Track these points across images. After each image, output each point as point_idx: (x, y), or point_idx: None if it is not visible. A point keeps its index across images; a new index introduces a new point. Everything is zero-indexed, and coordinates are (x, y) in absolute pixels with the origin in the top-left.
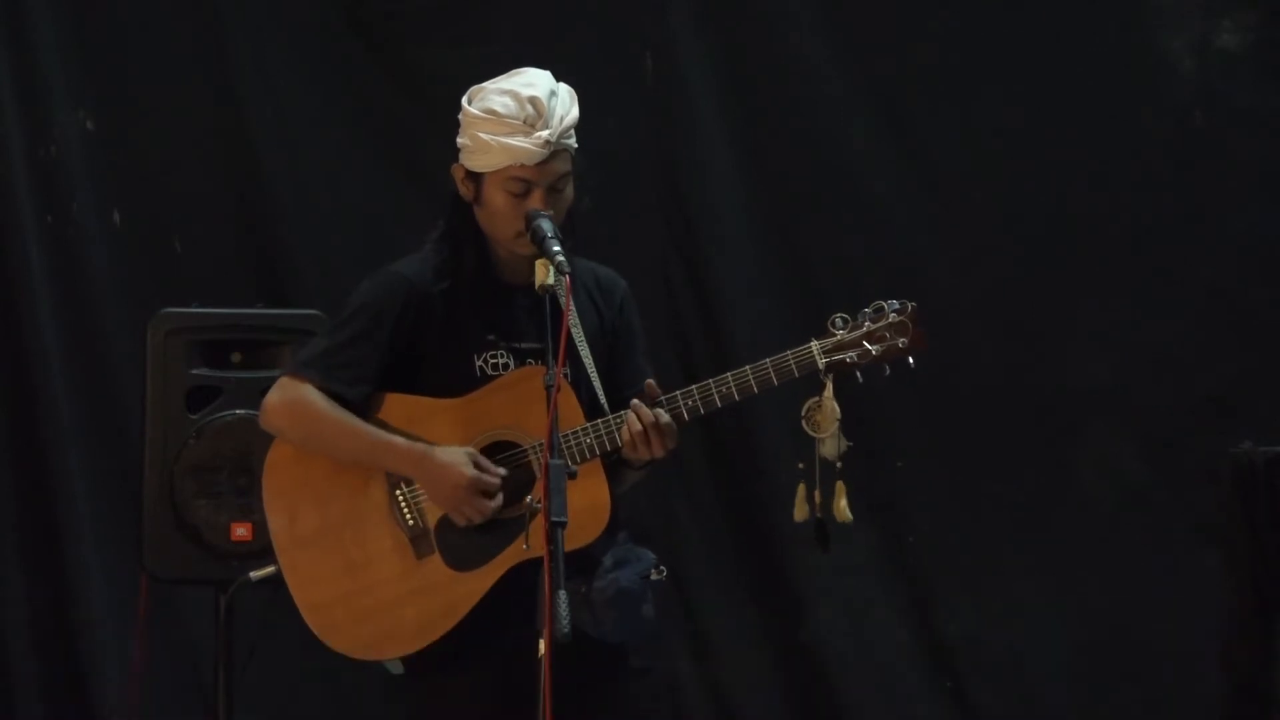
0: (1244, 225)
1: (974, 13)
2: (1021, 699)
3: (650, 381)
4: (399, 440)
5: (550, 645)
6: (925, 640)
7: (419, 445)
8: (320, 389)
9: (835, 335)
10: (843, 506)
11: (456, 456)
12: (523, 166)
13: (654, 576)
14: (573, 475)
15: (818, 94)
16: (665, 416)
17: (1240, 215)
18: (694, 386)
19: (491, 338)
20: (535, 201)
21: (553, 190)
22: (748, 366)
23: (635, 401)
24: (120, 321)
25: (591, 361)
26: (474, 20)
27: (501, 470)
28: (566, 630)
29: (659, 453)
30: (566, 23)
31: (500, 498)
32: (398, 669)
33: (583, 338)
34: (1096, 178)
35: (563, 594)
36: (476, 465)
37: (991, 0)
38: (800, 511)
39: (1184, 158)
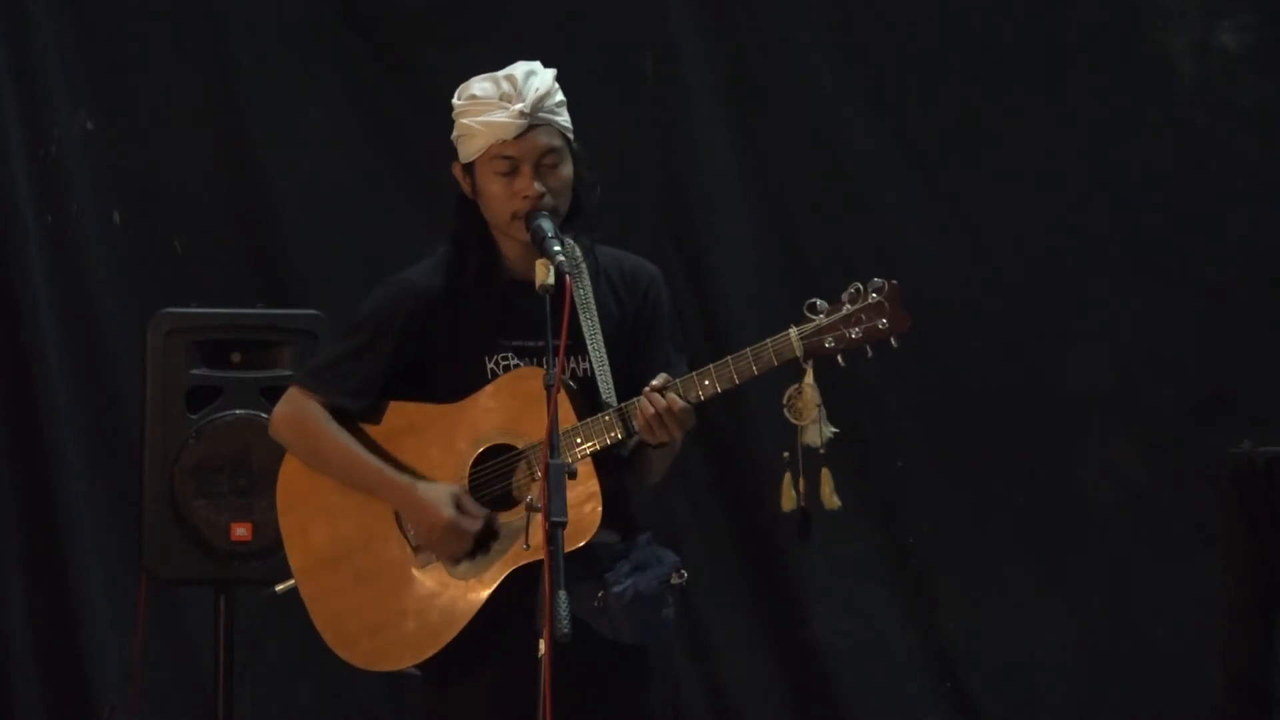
0: (1244, 225)
1: (974, 13)
2: (1021, 699)
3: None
4: (389, 472)
5: (550, 645)
6: (925, 640)
7: (404, 480)
8: (324, 402)
9: (814, 320)
10: (829, 493)
11: (439, 496)
12: (503, 143)
13: (675, 580)
14: (573, 475)
15: (819, 94)
16: (679, 401)
17: (1240, 215)
18: (678, 380)
19: (502, 339)
20: (524, 179)
21: (541, 167)
22: (729, 356)
23: (648, 389)
24: (120, 321)
25: (604, 356)
26: (474, 20)
27: (483, 511)
28: (566, 630)
29: (675, 434)
30: (567, 23)
31: (471, 543)
32: (414, 670)
33: (597, 332)
34: (1096, 178)
35: (562, 594)
36: (459, 505)
37: (992, 1)
38: (787, 500)
39: (1184, 158)
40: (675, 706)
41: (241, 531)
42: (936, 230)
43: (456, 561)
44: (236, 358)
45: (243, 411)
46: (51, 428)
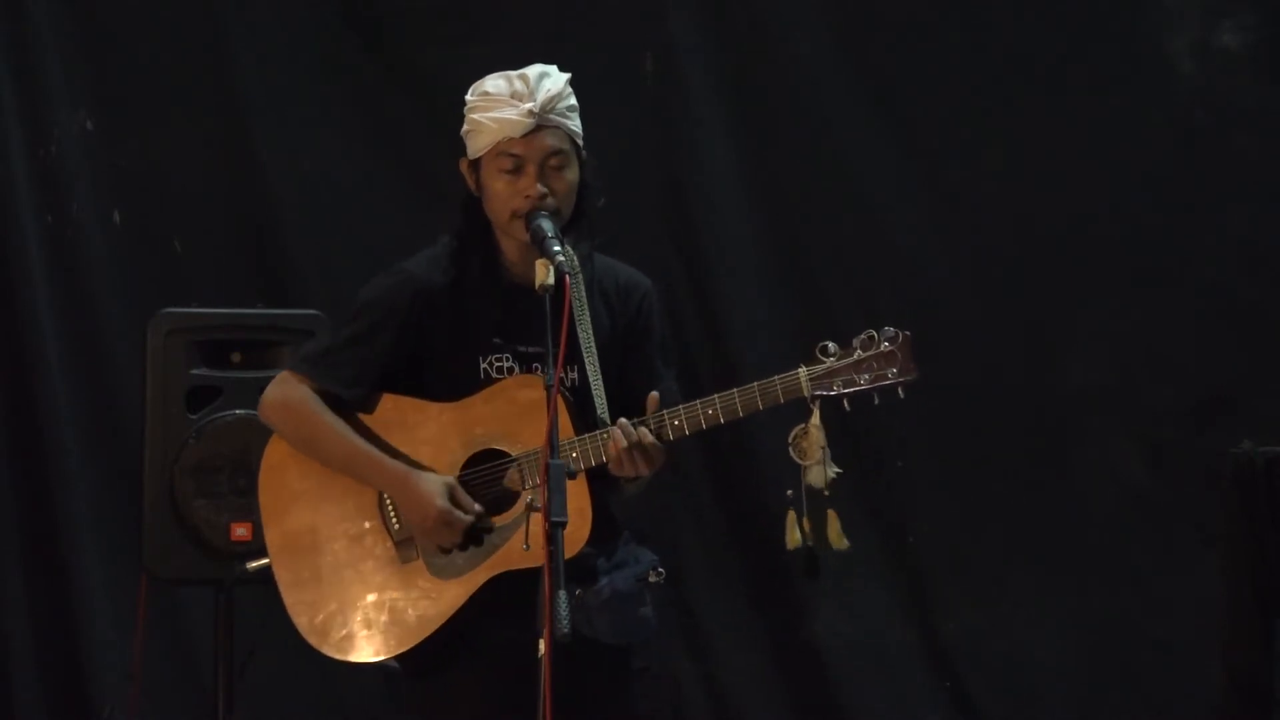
0: (1244, 225)
1: (975, 15)
2: (1021, 699)
3: (654, 394)
4: (381, 457)
5: (550, 645)
6: (925, 640)
7: (400, 467)
8: (317, 388)
9: (824, 363)
10: (837, 534)
11: (433, 486)
12: (510, 140)
13: (652, 578)
14: (572, 475)
15: (819, 95)
16: (650, 436)
17: (1240, 215)
18: (680, 407)
19: (497, 341)
20: (527, 178)
21: (546, 168)
22: (735, 390)
23: (621, 420)
24: (120, 321)
25: (597, 368)
26: (474, 20)
27: (477, 507)
28: (566, 630)
29: (644, 471)
30: (567, 23)
31: (460, 537)
32: (394, 663)
33: (590, 343)
34: (1097, 178)
35: (562, 594)
36: (453, 497)
37: (993, 2)
38: (791, 539)
39: (1184, 158)
40: (675, 707)
41: (241, 531)
42: (936, 230)
43: (445, 553)
44: (236, 358)
45: (243, 411)
46: (51, 428)
